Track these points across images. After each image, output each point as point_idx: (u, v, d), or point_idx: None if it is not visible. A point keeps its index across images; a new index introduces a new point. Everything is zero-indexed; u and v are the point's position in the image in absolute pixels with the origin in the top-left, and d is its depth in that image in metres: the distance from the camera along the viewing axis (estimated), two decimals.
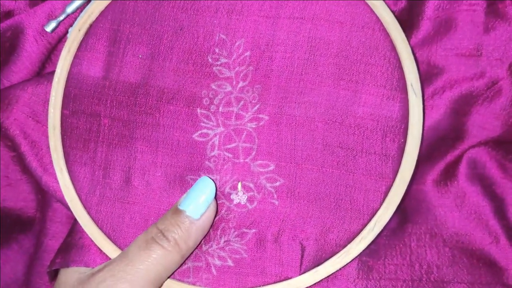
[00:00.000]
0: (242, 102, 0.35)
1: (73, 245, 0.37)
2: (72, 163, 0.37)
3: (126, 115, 0.36)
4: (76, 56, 0.37)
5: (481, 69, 0.38)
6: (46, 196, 0.42)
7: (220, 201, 0.35)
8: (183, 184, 0.35)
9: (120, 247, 0.36)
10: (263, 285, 0.35)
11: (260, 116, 0.35)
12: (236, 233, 0.35)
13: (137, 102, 0.36)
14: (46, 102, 0.40)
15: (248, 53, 0.35)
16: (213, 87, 0.36)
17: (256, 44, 0.35)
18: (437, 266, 0.37)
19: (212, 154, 0.36)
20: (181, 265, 0.35)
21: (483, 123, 0.39)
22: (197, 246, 0.35)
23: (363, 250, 0.34)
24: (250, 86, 0.35)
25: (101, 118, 0.37)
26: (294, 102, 0.35)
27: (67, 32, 0.41)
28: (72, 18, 0.40)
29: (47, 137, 0.38)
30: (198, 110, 0.36)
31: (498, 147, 0.39)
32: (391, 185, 0.34)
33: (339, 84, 0.35)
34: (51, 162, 0.39)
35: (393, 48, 0.34)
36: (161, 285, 0.34)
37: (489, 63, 0.38)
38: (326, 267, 0.34)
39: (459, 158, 0.39)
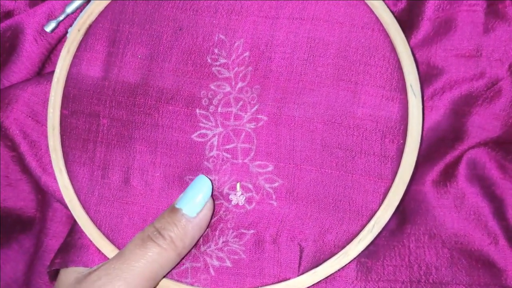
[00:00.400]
0: (241, 103, 0.35)
1: (72, 245, 0.37)
2: (71, 163, 0.37)
3: (125, 115, 0.36)
4: (75, 56, 0.37)
5: (481, 70, 0.38)
6: (46, 196, 0.43)
7: (218, 202, 0.35)
8: (181, 184, 0.35)
9: (118, 247, 0.36)
10: (261, 286, 0.35)
11: (259, 116, 0.35)
12: (234, 233, 0.35)
13: (136, 103, 0.36)
14: (45, 102, 0.40)
15: (247, 54, 0.35)
16: (212, 87, 0.36)
17: (255, 44, 0.35)
18: (435, 267, 0.37)
19: (211, 154, 0.36)
20: (179, 265, 0.35)
21: (483, 123, 0.39)
22: (196, 247, 0.35)
23: (362, 251, 0.34)
24: (249, 86, 0.35)
25: (100, 118, 0.37)
26: (293, 103, 0.35)
27: (66, 32, 0.41)
28: (71, 18, 0.40)
29: (46, 137, 0.38)
30: (197, 111, 0.36)
31: (497, 148, 0.39)
32: (390, 186, 0.34)
33: (339, 85, 0.35)
34: (50, 162, 0.39)
35: (392, 48, 0.34)
36: (157, 283, 0.34)
37: (489, 63, 0.38)
38: (325, 268, 0.34)
39: (459, 158, 0.39)
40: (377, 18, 0.34)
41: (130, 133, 0.36)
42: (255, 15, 0.35)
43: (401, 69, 0.34)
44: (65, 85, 0.37)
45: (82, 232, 0.36)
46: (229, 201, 0.35)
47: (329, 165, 0.35)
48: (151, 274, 0.32)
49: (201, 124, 0.36)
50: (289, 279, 0.34)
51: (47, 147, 0.37)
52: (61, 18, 0.40)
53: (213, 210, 0.34)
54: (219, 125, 0.36)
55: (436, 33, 0.39)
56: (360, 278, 0.37)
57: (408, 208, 0.39)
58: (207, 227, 0.35)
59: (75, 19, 0.40)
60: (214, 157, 0.35)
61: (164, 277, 0.34)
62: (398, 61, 0.34)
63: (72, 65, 0.37)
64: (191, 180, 0.35)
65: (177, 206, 0.33)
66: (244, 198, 0.35)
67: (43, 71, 0.43)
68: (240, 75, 0.35)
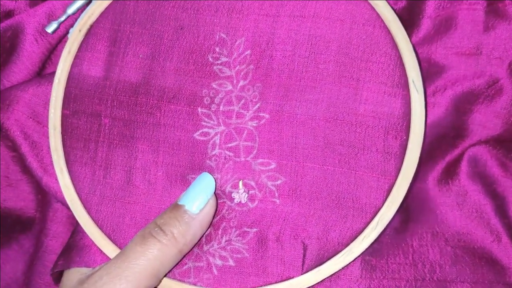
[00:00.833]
0: (242, 101, 0.35)
1: (74, 245, 0.36)
2: (73, 163, 0.36)
3: (127, 114, 0.36)
4: (76, 57, 0.37)
5: (481, 68, 0.38)
6: (46, 196, 0.42)
7: (221, 200, 0.35)
8: (184, 183, 0.35)
9: (120, 247, 0.35)
10: (264, 285, 0.34)
11: (261, 114, 0.35)
12: (237, 232, 0.35)
13: (138, 102, 0.36)
14: (46, 103, 0.40)
15: (248, 52, 0.35)
16: (214, 86, 0.36)
17: (257, 42, 0.35)
18: (439, 265, 0.37)
19: (213, 153, 0.35)
20: (182, 265, 0.35)
21: (484, 121, 0.39)
22: (198, 246, 0.35)
23: (366, 249, 0.34)
24: (250, 84, 0.35)
25: (102, 118, 0.36)
26: (295, 100, 0.35)
27: (67, 32, 0.41)
28: (72, 18, 0.40)
29: (47, 137, 0.38)
30: (199, 109, 0.36)
31: (498, 146, 0.39)
32: (394, 182, 0.34)
33: (340, 82, 0.35)
34: (51, 162, 0.39)
35: (394, 45, 0.34)
36: (160, 281, 0.33)
37: (489, 62, 0.38)
38: (329, 266, 0.34)
39: (460, 156, 0.39)
40: (378, 14, 0.34)
41: (132, 133, 0.36)
42: (255, 13, 0.35)
43: (402, 65, 0.34)
44: (66, 85, 0.37)
45: (84, 232, 0.36)
46: (232, 199, 0.35)
47: (332, 162, 0.34)
48: (153, 271, 0.32)
49: (203, 123, 0.36)
50: (293, 277, 0.34)
51: (48, 148, 0.37)
52: (62, 19, 0.40)
53: (216, 208, 0.34)
54: (221, 123, 0.35)
55: (436, 32, 0.39)
56: (365, 276, 0.37)
57: (411, 206, 0.39)
58: (210, 226, 0.35)
59: (76, 19, 0.40)
60: (217, 155, 0.35)
61: (166, 277, 0.34)
62: (399, 57, 0.34)
63: (73, 65, 0.37)
64: (194, 179, 0.35)
65: (180, 203, 0.33)
66: (247, 195, 0.35)
67: (44, 71, 0.43)
68: (242, 73, 0.35)
